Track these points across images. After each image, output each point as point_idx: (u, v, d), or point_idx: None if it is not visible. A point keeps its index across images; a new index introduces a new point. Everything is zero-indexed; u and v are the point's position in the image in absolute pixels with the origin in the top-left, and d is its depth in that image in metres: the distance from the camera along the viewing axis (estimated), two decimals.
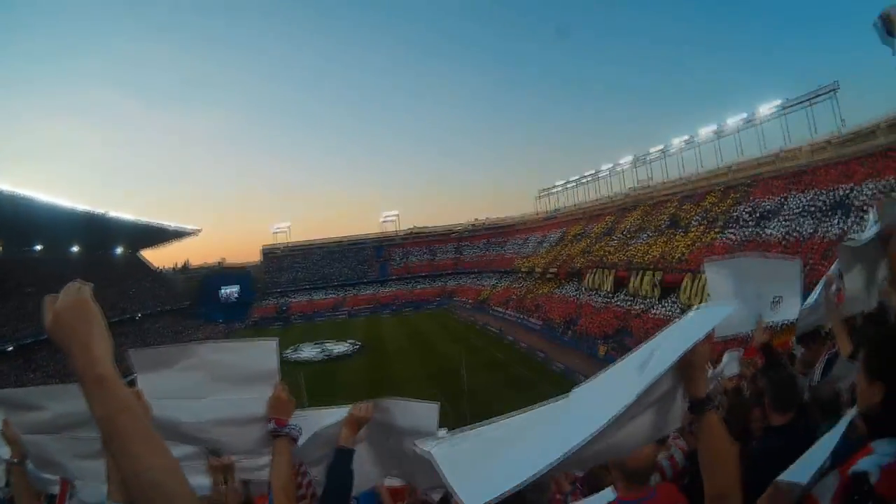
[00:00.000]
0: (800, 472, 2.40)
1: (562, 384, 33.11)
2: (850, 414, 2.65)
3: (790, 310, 5.29)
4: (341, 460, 3.17)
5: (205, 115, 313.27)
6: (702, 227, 55.54)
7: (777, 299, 5.31)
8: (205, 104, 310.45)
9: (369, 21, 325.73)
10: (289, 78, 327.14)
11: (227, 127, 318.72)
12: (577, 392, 2.21)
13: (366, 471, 3.89)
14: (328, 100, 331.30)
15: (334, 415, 3.56)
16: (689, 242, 54.36)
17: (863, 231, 4.72)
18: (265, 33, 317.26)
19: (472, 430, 2.06)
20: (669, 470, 4.35)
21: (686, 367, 1.99)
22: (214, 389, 2.96)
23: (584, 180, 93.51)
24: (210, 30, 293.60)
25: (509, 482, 1.63)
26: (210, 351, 2.98)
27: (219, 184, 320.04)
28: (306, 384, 35.17)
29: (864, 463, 2.13)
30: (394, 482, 5.48)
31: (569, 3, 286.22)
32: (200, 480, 3.42)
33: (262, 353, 3.05)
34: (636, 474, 2.89)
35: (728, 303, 5.04)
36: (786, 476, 2.41)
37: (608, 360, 19.03)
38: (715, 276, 5.47)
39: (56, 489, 4.48)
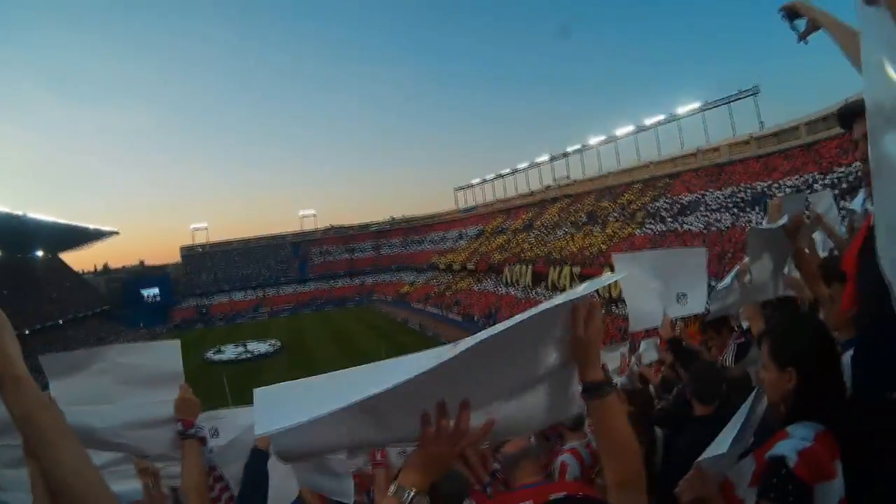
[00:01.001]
0: (716, 446, 2.41)
1: None
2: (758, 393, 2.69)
3: (696, 303, 5.31)
4: (256, 461, 3.18)
5: (119, 114, 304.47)
6: (619, 222, 56.73)
7: (682, 295, 5.31)
8: (119, 102, 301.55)
9: (285, 17, 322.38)
10: (204, 76, 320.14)
11: (142, 125, 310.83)
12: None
13: (283, 482, 3.83)
14: (244, 98, 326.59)
15: (250, 414, 3.53)
16: (606, 237, 55.44)
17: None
18: (182, 32, 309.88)
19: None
20: (577, 468, 4.31)
21: (579, 347, 1.86)
22: (123, 393, 2.94)
23: (502, 177, 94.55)
24: (127, 28, 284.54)
25: (305, 414, 1.57)
26: (116, 354, 2.99)
27: (135, 183, 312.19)
28: (229, 385, 34.54)
29: (781, 447, 2.18)
30: None
31: None
32: (132, 485, 3.31)
33: (166, 355, 3.07)
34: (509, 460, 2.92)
35: (637, 292, 5.22)
36: (705, 455, 2.41)
37: None
38: (624, 268, 5.49)
39: None
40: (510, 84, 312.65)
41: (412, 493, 1.66)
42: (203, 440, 2.92)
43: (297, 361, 51.00)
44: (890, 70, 1.68)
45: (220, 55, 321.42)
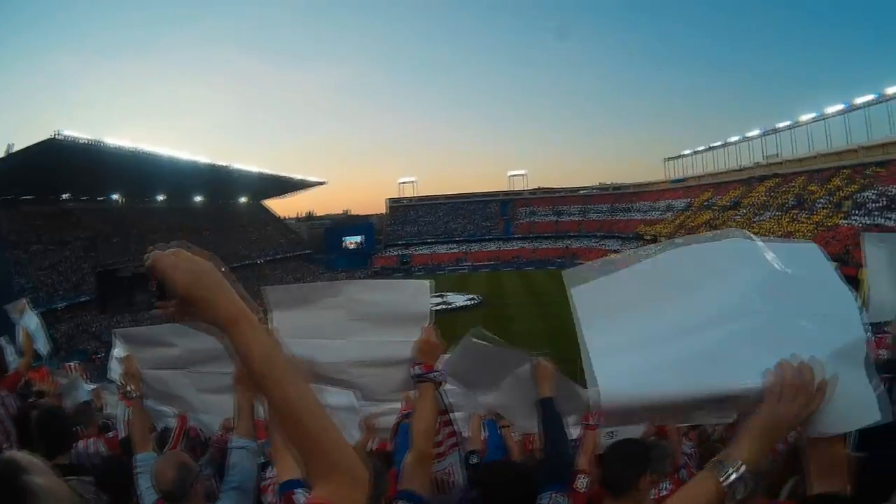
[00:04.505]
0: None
1: None
2: None
3: None
4: (548, 408, 3.23)
5: (330, 70, 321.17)
6: (826, 210, 54.24)
7: None
8: (329, 59, 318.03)
9: None
10: (416, 33, 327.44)
11: (353, 81, 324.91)
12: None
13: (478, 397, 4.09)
14: (457, 56, 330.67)
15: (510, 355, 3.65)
16: (812, 225, 53.16)
17: None
18: None
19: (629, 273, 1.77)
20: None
21: None
22: (358, 329, 2.85)
23: (713, 149, 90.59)
24: None
25: (660, 383, 1.48)
26: (356, 289, 2.88)
27: (344, 138, 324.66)
28: None
29: None
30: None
31: None
32: (354, 434, 3.79)
33: (415, 295, 2.89)
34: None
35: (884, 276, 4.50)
36: None
37: None
38: (874, 250, 4.72)
39: (169, 422, 4.86)
40: (723, 54, 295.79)
41: (741, 468, 1.33)
42: (440, 384, 2.75)
43: (494, 316, 51.67)
44: None
45: (430, 11, 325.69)
